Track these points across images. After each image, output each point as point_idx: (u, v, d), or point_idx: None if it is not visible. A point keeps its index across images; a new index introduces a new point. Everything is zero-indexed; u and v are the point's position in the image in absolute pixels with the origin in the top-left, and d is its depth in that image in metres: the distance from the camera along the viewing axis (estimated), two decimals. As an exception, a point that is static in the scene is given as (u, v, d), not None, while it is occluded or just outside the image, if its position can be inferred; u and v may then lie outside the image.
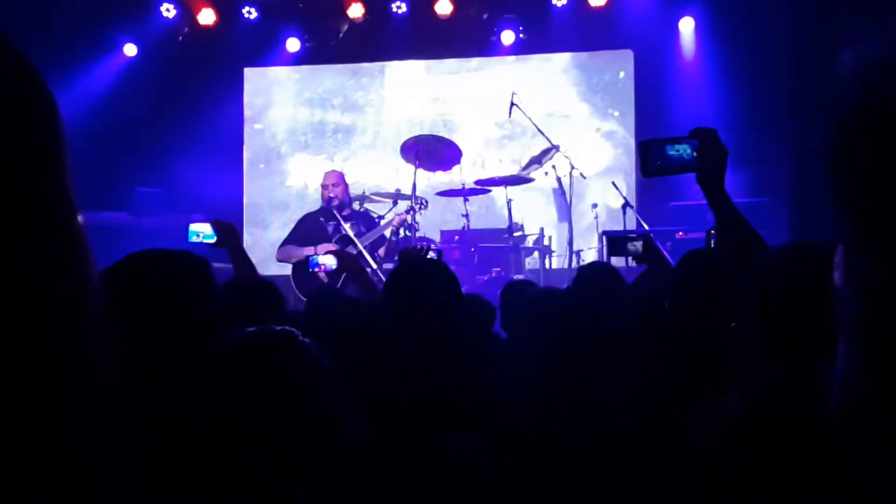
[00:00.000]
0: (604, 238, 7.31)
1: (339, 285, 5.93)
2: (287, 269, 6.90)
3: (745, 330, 1.62)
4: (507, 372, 3.08)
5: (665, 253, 4.07)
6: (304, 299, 6.14)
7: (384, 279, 6.08)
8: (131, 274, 1.73)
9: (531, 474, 2.38)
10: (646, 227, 7.32)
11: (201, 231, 3.59)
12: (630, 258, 3.90)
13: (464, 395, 2.10)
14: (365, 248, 6.34)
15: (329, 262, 4.27)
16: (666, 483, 2.02)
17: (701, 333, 1.88)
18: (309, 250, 6.40)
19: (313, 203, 7.79)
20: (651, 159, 2.31)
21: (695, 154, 2.28)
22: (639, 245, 3.68)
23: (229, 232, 3.52)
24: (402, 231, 6.65)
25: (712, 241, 3.35)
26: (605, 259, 7.40)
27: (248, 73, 9.58)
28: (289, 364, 1.40)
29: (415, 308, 2.32)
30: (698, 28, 8.75)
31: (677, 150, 2.29)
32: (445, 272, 2.45)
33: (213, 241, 3.56)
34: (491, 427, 2.35)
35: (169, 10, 9.00)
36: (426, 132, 8.29)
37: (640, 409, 2.45)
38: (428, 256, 4.01)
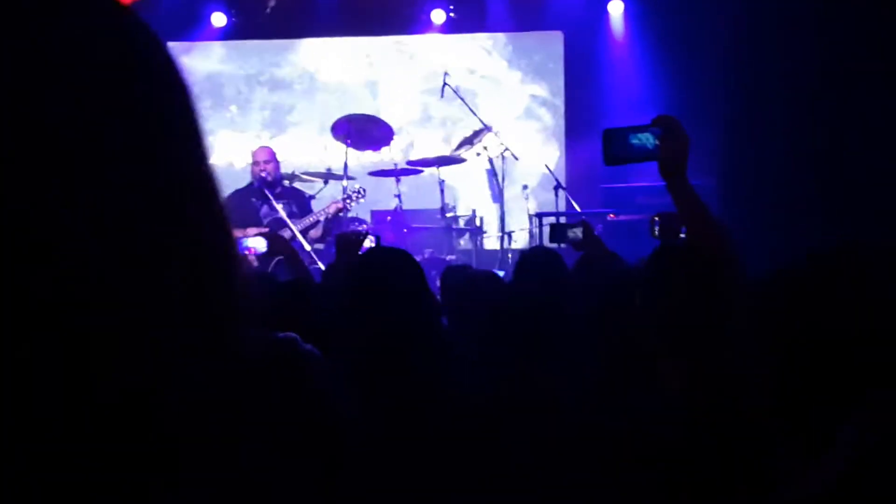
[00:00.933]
0: (539, 220, 7.34)
1: (269, 269, 5.82)
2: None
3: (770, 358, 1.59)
4: (451, 361, 3.05)
5: (601, 238, 4.09)
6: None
7: (317, 260, 6.01)
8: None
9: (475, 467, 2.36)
10: (577, 208, 7.38)
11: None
12: (569, 244, 3.93)
13: (426, 389, 2.06)
14: (298, 229, 6.23)
15: (258, 244, 4.18)
16: (612, 480, 2.02)
17: (679, 334, 1.87)
18: (237, 234, 6.28)
19: (239, 181, 7.61)
20: (614, 148, 2.29)
21: (657, 142, 2.26)
22: (579, 232, 3.71)
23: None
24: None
25: (656, 229, 3.35)
26: (539, 241, 7.44)
27: (172, 47, 9.25)
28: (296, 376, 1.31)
29: (385, 300, 2.26)
30: (627, 11, 8.80)
31: (640, 139, 2.28)
32: (413, 264, 2.40)
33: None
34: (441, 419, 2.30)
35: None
36: (356, 111, 8.18)
37: (595, 402, 2.45)
38: (365, 242, 3.95)
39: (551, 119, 9.14)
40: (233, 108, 9.33)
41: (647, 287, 1.95)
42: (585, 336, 2.94)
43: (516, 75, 9.18)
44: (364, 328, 1.98)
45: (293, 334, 1.33)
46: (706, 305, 1.86)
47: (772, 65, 6.72)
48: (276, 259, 5.47)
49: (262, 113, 9.31)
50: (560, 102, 9.12)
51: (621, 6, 8.81)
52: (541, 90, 9.18)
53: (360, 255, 2.77)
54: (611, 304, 2.33)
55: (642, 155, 2.28)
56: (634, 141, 2.28)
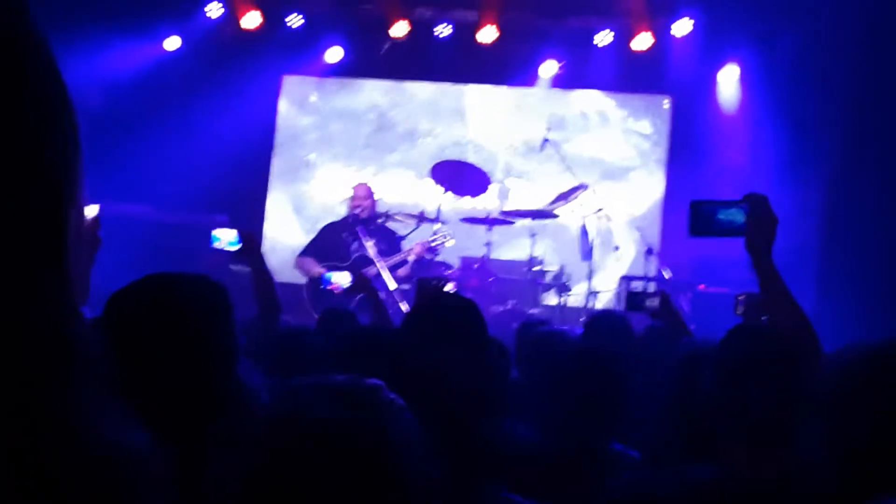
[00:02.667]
0: (627, 283, 7.27)
1: (353, 305, 5.90)
2: (302, 277, 6.89)
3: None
4: (520, 413, 3.03)
5: (681, 312, 4.03)
6: (315, 315, 6.13)
7: (401, 301, 6.06)
8: (147, 301, 1.68)
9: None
10: (667, 275, 7.27)
11: (225, 238, 3.55)
12: (646, 313, 3.90)
13: (484, 440, 2.04)
14: (385, 268, 6.30)
15: (343, 280, 4.23)
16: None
17: (742, 418, 1.83)
18: (319, 271, 6.42)
19: (336, 214, 7.77)
20: (700, 220, 2.28)
21: (745, 219, 2.23)
22: (656, 302, 3.67)
23: (253, 243, 3.50)
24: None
25: (741, 307, 3.29)
26: (621, 306, 7.36)
27: (287, 79, 9.60)
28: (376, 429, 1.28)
29: (439, 348, 2.28)
30: (741, 78, 8.69)
31: (728, 214, 2.25)
32: (475, 316, 2.41)
33: (236, 248, 3.53)
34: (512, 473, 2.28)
35: (210, 11, 9.04)
36: (457, 157, 8.29)
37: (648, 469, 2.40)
38: (445, 289, 3.97)
39: (650, 182, 9.06)
40: (338, 143, 9.55)
41: (718, 365, 1.91)
42: (646, 404, 2.89)
43: (620, 135, 9.15)
44: (419, 373, 1.99)
45: (378, 381, 1.33)
46: (778, 392, 1.81)
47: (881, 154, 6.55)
48: (360, 296, 5.54)
49: (366, 151, 9.49)
50: (662, 166, 9.04)
51: (734, 72, 8.69)
52: (643, 153, 9.12)
53: (424, 299, 2.78)
54: (676, 377, 2.29)
55: (729, 230, 2.26)
56: (722, 216, 2.26)
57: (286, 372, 2.79)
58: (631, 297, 3.81)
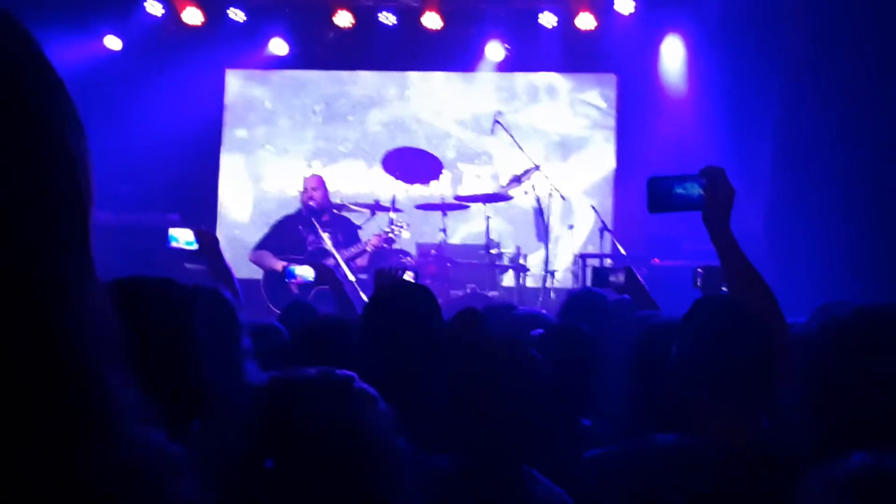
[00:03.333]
0: (583, 261, 7.34)
1: (310, 297, 5.89)
2: (257, 272, 6.85)
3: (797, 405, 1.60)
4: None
5: (644, 284, 4.09)
6: (274, 309, 6.10)
7: (360, 291, 6.06)
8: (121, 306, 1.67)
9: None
10: (622, 251, 7.36)
11: (182, 237, 3.53)
12: (612, 288, 3.95)
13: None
14: (342, 259, 6.30)
15: (307, 274, 4.23)
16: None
17: (711, 387, 1.87)
18: (279, 265, 6.40)
19: (290, 208, 7.73)
20: (658, 196, 2.31)
21: (702, 193, 2.27)
22: (621, 277, 3.73)
23: (211, 241, 3.47)
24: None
25: (699, 280, 3.35)
26: (581, 282, 7.43)
27: (231, 74, 9.50)
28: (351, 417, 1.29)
29: (398, 338, 2.30)
30: (685, 50, 8.79)
31: (685, 188, 2.29)
32: (429, 301, 2.43)
33: (194, 248, 3.51)
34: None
35: (151, 7, 8.90)
36: (407, 144, 8.28)
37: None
38: (404, 277, 3.99)
39: (601, 160, 9.14)
40: (287, 136, 9.48)
41: (683, 336, 1.95)
42: (621, 377, 2.94)
43: (568, 115, 9.22)
44: (376, 365, 2.01)
45: (349, 372, 1.34)
46: (743, 360, 1.85)
47: (825, 112, 6.67)
48: (316, 289, 5.53)
49: (316, 143, 9.44)
50: (611, 144, 9.13)
51: (677, 44, 8.78)
52: (592, 131, 9.19)
53: (376, 291, 2.80)
54: (640, 349, 2.33)
55: (686, 204, 2.29)
56: (679, 190, 2.29)
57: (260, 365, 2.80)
58: (596, 273, 3.86)
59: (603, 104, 9.20)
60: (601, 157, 9.14)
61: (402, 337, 2.43)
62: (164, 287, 1.76)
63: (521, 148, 7.62)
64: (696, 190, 2.27)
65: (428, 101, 9.36)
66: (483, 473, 1.94)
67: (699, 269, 3.30)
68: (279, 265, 6.47)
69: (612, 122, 9.15)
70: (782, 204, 7.11)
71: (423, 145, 8.49)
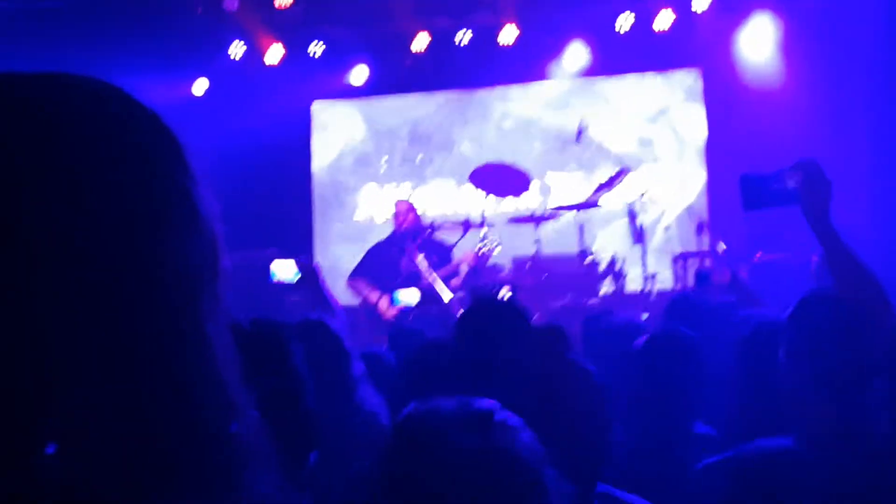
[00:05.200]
0: (683, 261, 7.20)
1: (408, 320, 5.92)
2: (355, 299, 6.94)
3: None
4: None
5: (748, 283, 3.99)
6: (378, 338, 6.16)
7: (458, 311, 6.06)
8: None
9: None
10: (721, 248, 7.18)
11: (283, 271, 3.59)
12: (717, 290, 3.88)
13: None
14: (438, 279, 6.31)
15: (412, 298, 4.25)
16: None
17: (822, 388, 1.80)
18: (375, 295, 6.46)
19: (382, 234, 7.81)
20: (752, 193, 2.25)
21: (798, 187, 2.20)
22: (725, 277, 3.65)
23: (312, 271, 3.52)
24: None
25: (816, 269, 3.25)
26: (682, 283, 7.29)
27: (315, 107, 9.68)
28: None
29: (485, 359, 2.28)
30: (773, 33, 8.55)
31: (780, 184, 2.22)
32: (514, 317, 2.41)
33: (295, 279, 3.57)
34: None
35: (234, 51, 9.15)
36: (493, 159, 8.27)
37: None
38: (500, 295, 3.97)
39: (693, 156, 8.96)
40: (374, 164, 9.59)
41: (789, 338, 1.88)
42: (721, 380, 2.86)
43: (654, 114, 9.07)
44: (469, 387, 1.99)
45: (491, 401, 1.30)
46: (852, 360, 1.78)
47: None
48: (414, 313, 5.55)
49: (403, 167, 9.53)
50: (701, 142, 8.95)
51: (765, 29, 8.53)
52: (680, 128, 9.02)
53: (463, 313, 2.78)
54: (748, 352, 2.26)
55: (783, 200, 2.22)
56: (774, 186, 2.23)
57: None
58: (699, 276, 3.80)
59: (686, 103, 9.02)
60: (692, 156, 8.96)
61: (488, 357, 2.41)
62: (259, 327, 1.78)
63: (607, 154, 7.53)
64: (791, 184, 2.20)
65: (512, 117, 9.34)
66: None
67: (815, 258, 3.20)
68: (374, 295, 6.53)
69: (700, 117, 8.97)
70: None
71: (510, 159, 8.47)
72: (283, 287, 3.94)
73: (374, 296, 6.54)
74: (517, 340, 2.47)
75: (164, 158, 0.68)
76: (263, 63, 9.20)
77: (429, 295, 4.30)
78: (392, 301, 4.35)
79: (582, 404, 1.89)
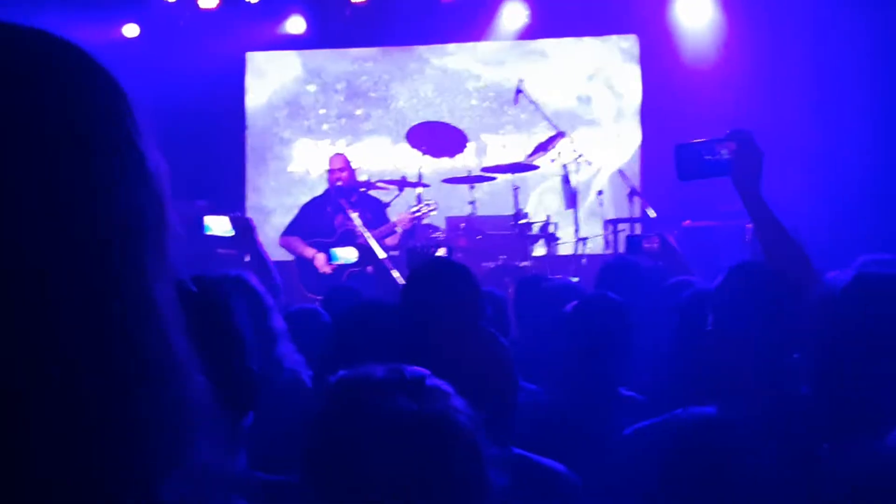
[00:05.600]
0: (614, 227, 7.30)
1: (343, 278, 5.89)
2: (289, 255, 6.88)
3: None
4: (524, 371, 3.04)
5: (678, 250, 4.06)
6: (310, 294, 6.12)
7: (393, 270, 6.07)
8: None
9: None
10: (652, 213, 7.29)
11: (218, 226, 3.55)
12: (646, 256, 3.93)
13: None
14: (373, 238, 6.29)
15: (350, 255, 4.23)
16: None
17: (746, 357, 1.85)
18: (310, 252, 6.41)
19: (316, 188, 7.74)
20: (687, 163, 2.28)
21: (730, 157, 2.23)
22: (655, 243, 3.70)
23: (247, 228, 3.48)
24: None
25: (748, 237, 3.32)
26: (613, 248, 7.40)
27: (250, 56, 9.49)
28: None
29: (438, 319, 2.28)
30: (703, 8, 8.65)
31: (713, 154, 2.25)
32: (468, 278, 2.41)
33: (230, 235, 3.52)
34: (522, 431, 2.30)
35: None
36: (430, 118, 8.24)
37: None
38: (437, 254, 3.98)
39: (628, 123, 9.05)
40: (310, 116, 9.47)
41: (718, 307, 1.93)
42: (648, 345, 2.92)
43: (590, 80, 9.12)
44: (417, 346, 1.99)
45: (421, 369, 1.29)
46: (776, 329, 1.83)
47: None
48: (349, 271, 5.53)
49: (339, 121, 9.43)
50: (636, 106, 9.03)
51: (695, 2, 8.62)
52: (615, 94, 9.09)
53: (414, 271, 2.78)
54: (678, 318, 2.31)
55: (716, 170, 2.26)
56: (707, 156, 2.26)
57: (303, 352, 2.81)
58: (629, 242, 3.85)
59: (622, 68, 9.08)
60: (626, 121, 9.05)
61: (444, 316, 2.41)
62: (202, 282, 1.75)
63: (544, 115, 7.55)
64: (724, 154, 2.23)
65: (450, 75, 9.29)
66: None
67: (748, 226, 3.27)
68: (310, 251, 6.47)
69: (636, 84, 9.04)
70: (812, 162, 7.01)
71: (447, 118, 8.44)
72: (215, 240, 3.89)
73: (308, 252, 6.49)
74: (464, 306, 2.47)
75: (113, 108, 0.66)
76: (198, 7, 8.96)
77: (364, 253, 4.28)
78: (329, 258, 4.32)
79: (489, 368, 1.90)
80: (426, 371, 1.30)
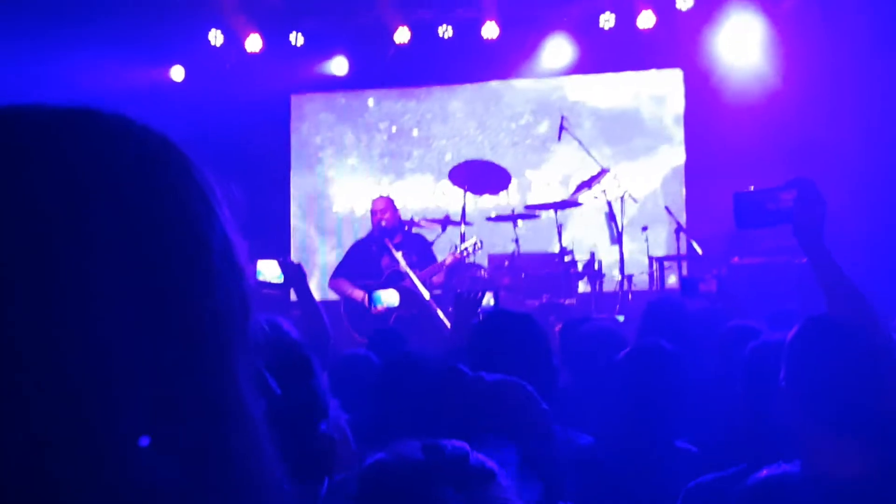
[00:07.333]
0: (660, 264, 7.21)
1: (391, 321, 5.88)
2: (334, 294, 6.89)
3: None
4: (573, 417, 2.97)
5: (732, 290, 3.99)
6: (357, 336, 6.11)
7: (438, 309, 6.04)
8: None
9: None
10: (699, 250, 7.20)
11: (268, 271, 3.55)
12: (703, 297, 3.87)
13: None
14: (418, 279, 6.28)
15: (392, 299, 4.22)
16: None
17: (824, 415, 1.77)
18: (359, 294, 6.40)
19: (361, 227, 7.76)
20: (745, 212, 2.22)
21: (791, 206, 2.17)
22: (712, 286, 3.64)
23: (297, 274, 3.48)
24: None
25: None
26: (659, 285, 7.31)
27: (296, 99, 9.59)
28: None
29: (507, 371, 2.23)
30: (750, 38, 8.56)
31: (773, 202, 2.20)
32: (537, 332, 2.37)
33: (280, 281, 3.52)
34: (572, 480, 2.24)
35: (213, 38, 9.02)
36: (473, 156, 8.25)
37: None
38: (483, 300, 3.94)
39: (673, 158, 8.97)
40: (353, 156, 9.52)
41: (791, 362, 1.85)
42: (699, 393, 2.84)
43: (635, 115, 9.07)
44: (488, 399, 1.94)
45: (461, 444, 1.21)
46: (860, 385, 1.75)
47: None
48: (396, 315, 5.52)
49: (382, 161, 9.47)
50: (681, 140, 8.96)
51: (742, 33, 8.52)
52: (660, 130, 9.03)
53: (479, 321, 2.75)
54: (744, 371, 2.24)
55: (777, 219, 2.20)
56: (768, 204, 2.20)
57: (346, 400, 2.78)
58: (685, 283, 3.79)
59: (667, 104, 9.02)
60: (672, 158, 8.97)
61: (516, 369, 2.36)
62: (284, 354, 1.66)
63: (588, 152, 7.52)
64: (786, 203, 2.17)
65: (493, 113, 9.30)
66: None
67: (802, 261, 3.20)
68: (359, 293, 6.46)
69: (680, 119, 8.97)
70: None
71: (490, 156, 8.45)
72: (264, 284, 3.89)
73: (357, 294, 6.48)
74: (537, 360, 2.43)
75: (212, 201, 0.65)
76: (244, 51, 9.08)
77: (408, 295, 4.27)
78: (373, 302, 4.31)
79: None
80: (466, 446, 1.20)
